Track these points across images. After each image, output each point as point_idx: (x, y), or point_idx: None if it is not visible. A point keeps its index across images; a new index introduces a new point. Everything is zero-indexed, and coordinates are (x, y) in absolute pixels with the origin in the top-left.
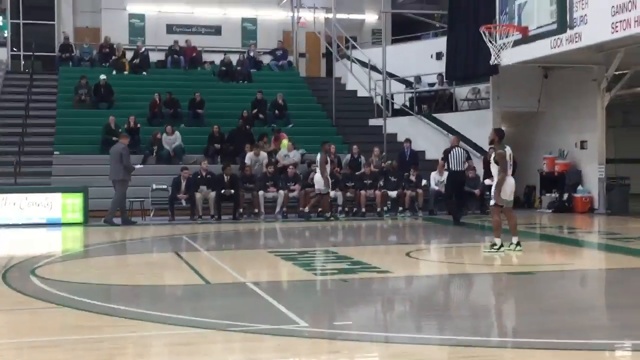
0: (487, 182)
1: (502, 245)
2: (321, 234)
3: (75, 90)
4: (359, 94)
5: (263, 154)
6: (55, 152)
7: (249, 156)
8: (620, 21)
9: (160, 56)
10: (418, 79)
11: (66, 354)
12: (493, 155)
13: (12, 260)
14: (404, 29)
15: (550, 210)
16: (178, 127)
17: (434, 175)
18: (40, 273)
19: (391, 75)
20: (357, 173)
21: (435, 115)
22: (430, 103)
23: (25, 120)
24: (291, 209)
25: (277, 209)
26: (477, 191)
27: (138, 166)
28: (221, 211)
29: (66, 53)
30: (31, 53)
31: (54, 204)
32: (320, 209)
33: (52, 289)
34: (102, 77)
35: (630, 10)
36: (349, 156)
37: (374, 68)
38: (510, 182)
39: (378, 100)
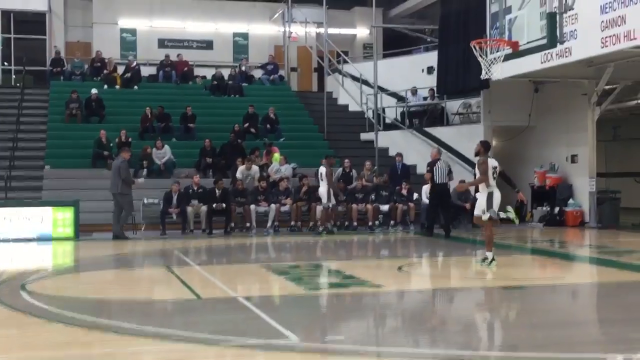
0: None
1: (493, 259)
2: (313, 248)
3: (67, 105)
4: (351, 108)
5: (254, 168)
6: (46, 167)
7: (240, 170)
8: (610, 36)
9: (152, 70)
10: (414, 91)
11: None
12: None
13: (2, 275)
14: (395, 44)
15: (541, 224)
16: (169, 141)
17: (425, 189)
18: (31, 288)
19: (382, 90)
20: (348, 187)
21: (426, 129)
22: (422, 117)
23: (16, 135)
24: (283, 223)
25: (269, 223)
26: (467, 205)
27: (140, 180)
28: (212, 225)
29: (57, 67)
30: (22, 67)
31: (45, 219)
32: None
33: (43, 304)
34: (94, 91)
35: (619, 25)
36: (340, 170)
37: (365, 82)
38: (497, 195)
39: (369, 114)
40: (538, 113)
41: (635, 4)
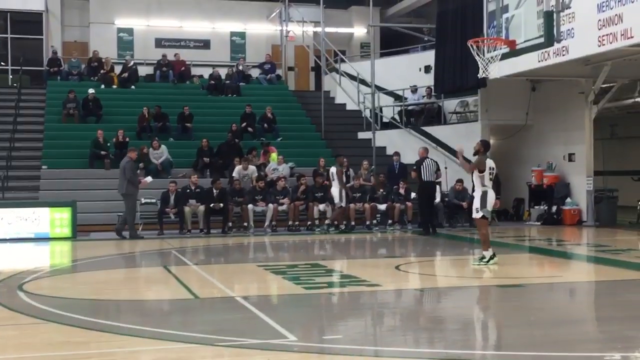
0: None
1: (491, 257)
2: (310, 247)
3: (64, 105)
4: (348, 107)
5: (252, 168)
6: (43, 167)
7: (237, 170)
8: (607, 35)
9: (149, 70)
10: (414, 89)
11: None
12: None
13: (0, 276)
14: (393, 43)
15: (539, 223)
16: (167, 141)
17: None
18: (28, 288)
19: (380, 89)
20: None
21: (424, 128)
22: (419, 116)
23: (13, 135)
24: (280, 223)
25: (266, 223)
26: (464, 203)
27: (147, 179)
28: (210, 225)
29: (54, 67)
30: (19, 67)
31: (42, 219)
32: (336, 221)
33: (40, 304)
34: (91, 91)
35: (616, 24)
36: (332, 169)
37: (362, 81)
38: (492, 195)
39: (367, 113)
40: (535, 112)
41: (632, 2)
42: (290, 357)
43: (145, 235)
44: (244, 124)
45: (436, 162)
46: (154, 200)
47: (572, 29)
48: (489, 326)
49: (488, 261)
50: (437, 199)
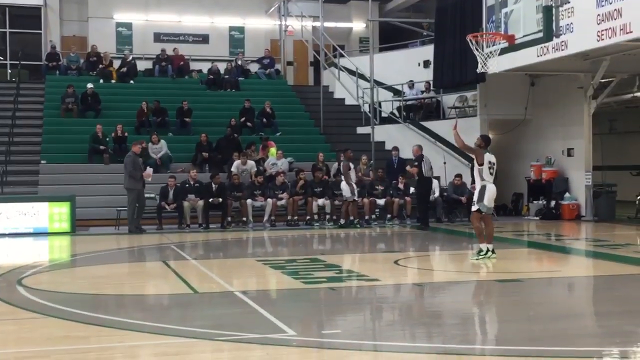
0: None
1: (488, 250)
2: (309, 242)
3: (62, 99)
4: (347, 102)
5: (251, 163)
6: (42, 161)
7: (236, 165)
8: (606, 29)
9: (148, 65)
10: (411, 85)
11: None
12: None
13: None
14: (392, 37)
15: (537, 218)
16: (165, 136)
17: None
18: (27, 283)
19: (379, 84)
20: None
21: (422, 123)
22: (418, 111)
23: (12, 130)
24: (279, 218)
25: (265, 218)
26: (463, 198)
27: (148, 171)
28: (209, 220)
29: (53, 62)
30: (18, 62)
31: (41, 213)
32: (352, 217)
33: (39, 298)
34: (89, 85)
35: (615, 19)
36: (336, 164)
37: (361, 76)
38: (491, 189)
39: (366, 108)
40: (534, 106)
41: None
42: (289, 352)
43: (144, 229)
44: (242, 119)
45: (429, 160)
46: (153, 195)
47: (571, 23)
48: (487, 321)
49: (486, 253)
50: (436, 194)
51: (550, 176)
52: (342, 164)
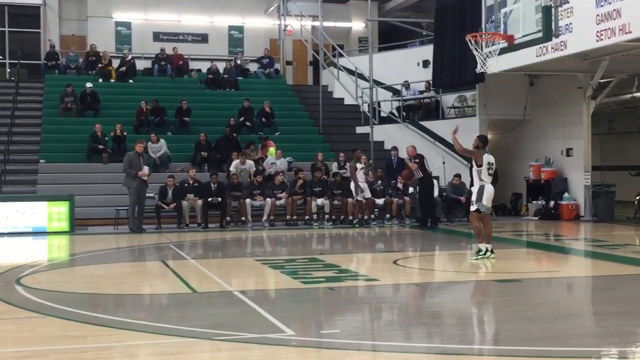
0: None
1: (487, 250)
2: (308, 242)
3: (61, 99)
4: (346, 102)
5: (250, 162)
6: (41, 161)
7: (235, 164)
8: (605, 29)
9: (147, 64)
10: (407, 85)
11: None
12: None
13: None
14: (391, 37)
15: (536, 218)
16: (165, 135)
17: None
18: (26, 282)
19: (378, 83)
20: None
21: (422, 122)
22: (417, 111)
23: (11, 129)
24: (278, 217)
25: (264, 217)
26: (462, 198)
27: (144, 170)
28: (208, 219)
29: (52, 61)
30: (17, 61)
31: (40, 213)
32: (362, 215)
33: (38, 298)
34: (89, 85)
35: (614, 19)
36: (335, 164)
37: (360, 76)
38: (489, 189)
39: (365, 108)
40: (533, 106)
41: None
42: (288, 351)
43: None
44: (242, 118)
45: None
46: (152, 194)
47: (571, 23)
48: (486, 321)
49: (485, 253)
50: (435, 194)
51: (549, 176)
52: (350, 164)
